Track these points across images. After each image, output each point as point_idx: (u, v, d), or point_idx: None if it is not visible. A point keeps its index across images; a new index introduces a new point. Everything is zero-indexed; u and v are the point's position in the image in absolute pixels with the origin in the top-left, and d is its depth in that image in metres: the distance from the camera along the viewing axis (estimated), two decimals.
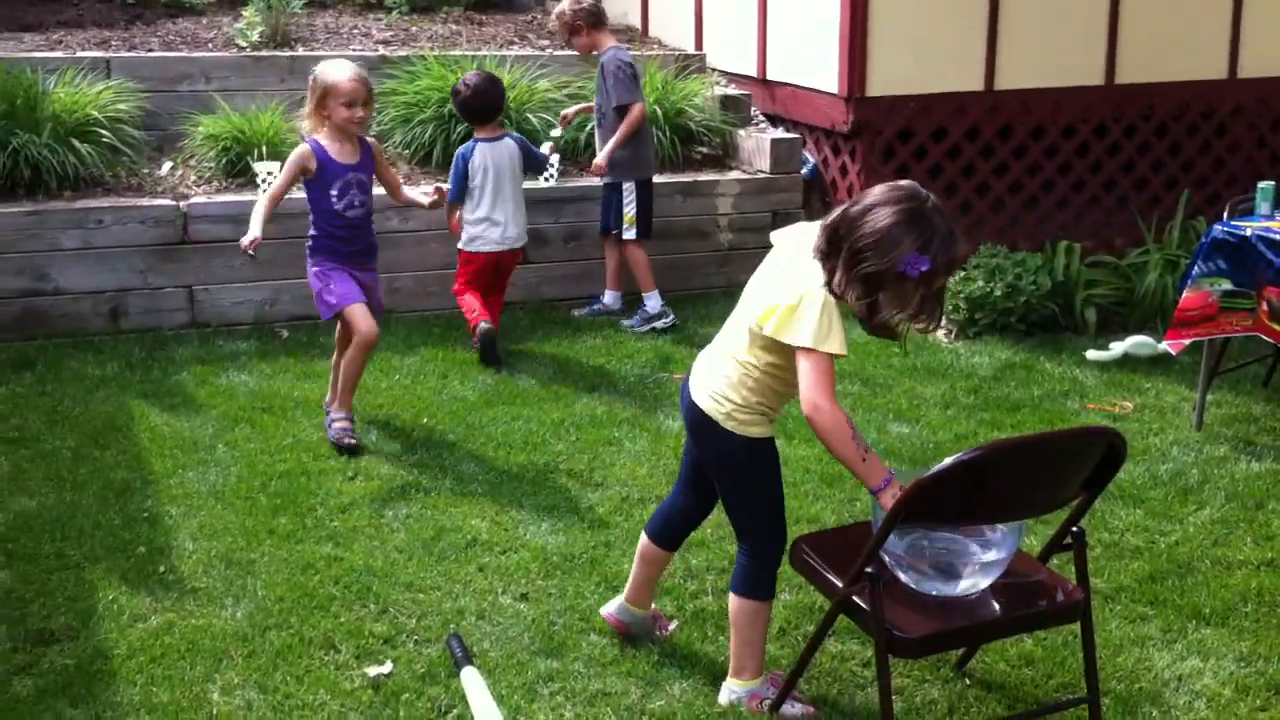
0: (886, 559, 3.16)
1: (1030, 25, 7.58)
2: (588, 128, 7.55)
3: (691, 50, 9.09)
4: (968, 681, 3.64)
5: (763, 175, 7.84)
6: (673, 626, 3.87)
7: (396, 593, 4.10)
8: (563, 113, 7.35)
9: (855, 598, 3.13)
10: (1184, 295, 5.44)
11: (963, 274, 6.85)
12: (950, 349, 6.61)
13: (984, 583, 3.18)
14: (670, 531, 3.71)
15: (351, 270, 5.27)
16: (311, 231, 5.27)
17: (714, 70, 8.81)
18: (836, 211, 3.11)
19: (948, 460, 2.88)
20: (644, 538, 3.73)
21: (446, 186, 6.07)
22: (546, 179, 7.36)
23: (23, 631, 3.83)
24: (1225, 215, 5.53)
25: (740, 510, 3.45)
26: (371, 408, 5.62)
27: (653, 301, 6.96)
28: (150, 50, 8.06)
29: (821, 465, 5.02)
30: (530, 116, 7.60)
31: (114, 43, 8.21)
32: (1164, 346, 5.66)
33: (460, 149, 6.49)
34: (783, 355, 3.17)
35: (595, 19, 6.94)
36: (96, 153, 6.86)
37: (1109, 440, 3.03)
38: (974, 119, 7.58)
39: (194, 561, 4.29)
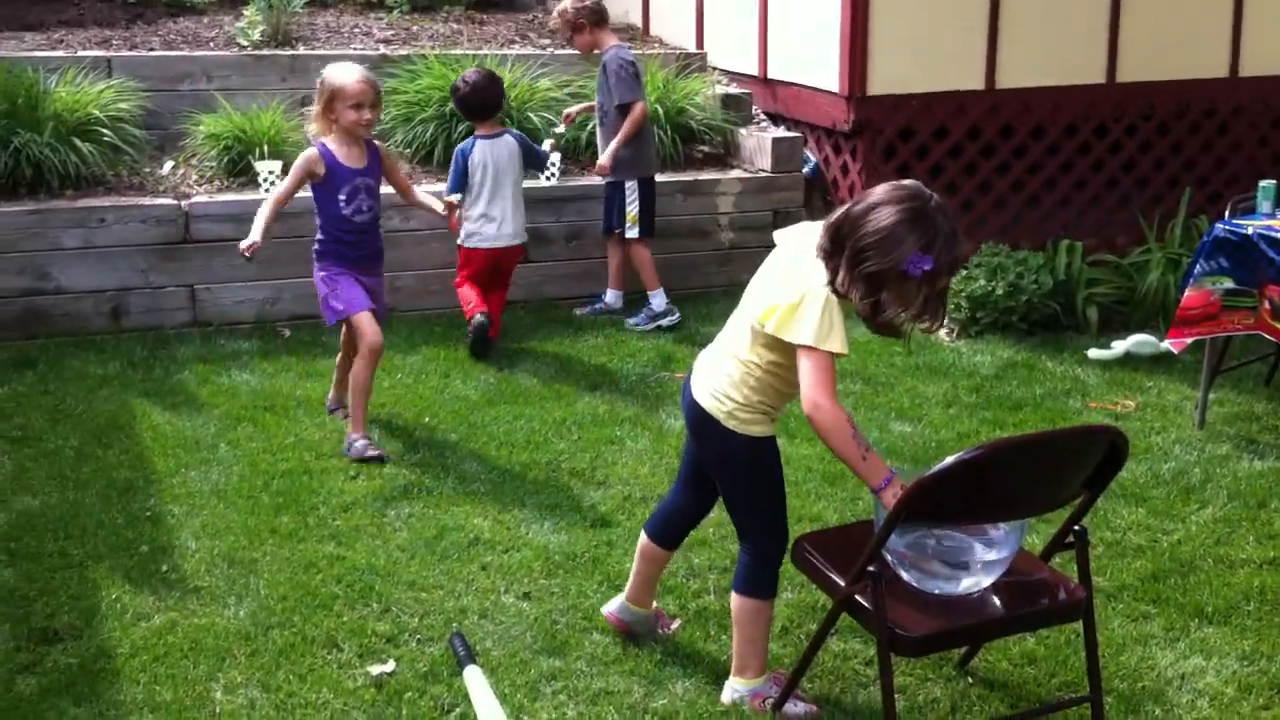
0: (889, 558, 3.16)
1: (1031, 24, 7.57)
2: (589, 126, 7.56)
3: (692, 49, 9.09)
4: (970, 680, 3.65)
5: (764, 174, 7.84)
6: (675, 625, 3.88)
7: (399, 591, 4.10)
8: (565, 111, 7.35)
9: (857, 596, 3.13)
10: (1186, 294, 5.44)
11: (964, 273, 6.85)
12: (952, 348, 6.61)
13: (986, 581, 3.18)
14: (670, 530, 3.71)
15: (358, 275, 5.22)
16: (319, 235, 5.22)
17: (715, 69, 8.81)
18: (840, 210, 3.11)
19: (949, 459, 2.88)
20: (644, 536, 3.74)
21: (457, 198, 6.07)
22: (548, 178, 7.36)
23: (26, 630, 3.84)
24: (1227, 214, 5.53)
25: (742, 509, 3.45)
26: (374, 407, 5.61)
27: (658, 299, 6.97)
28: (151, 49, 8.06)
29: (824, 464, 5.02)
30: (531, 115, 7.60)
31: (115, 42, 8.21)
32: (1166, 345, 5.66)
33: (460, 145, 6.51)
34: (784, 354, 3.18)
35: (598, 17, 6.94)
36: (98, 152, 6.86)
37: (1111, 439, 3.03)
38: (975, 118, 7.58)
39: (197, 560, 4.29)
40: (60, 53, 7.74)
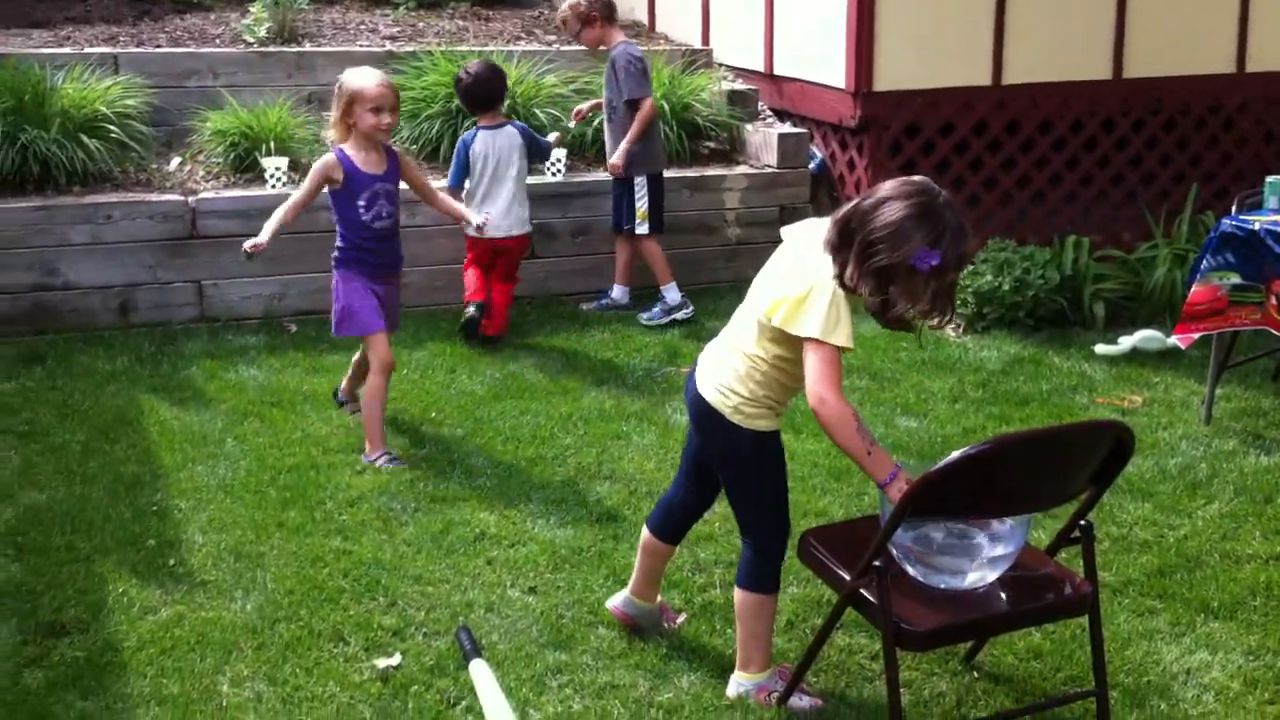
0: (894, 552, 3.16)
1: (1037, 19, 7.56)
2: (595, 122, 7.56)
3: (698, 45, 9.09)
4: (976, 674, 3.65)
5: (770, 170, 7.85)
6: (681, 619, 3.88)
7: (405, 585, 4.11)
8: (576, 108, 7.36)
9: (863, 591, 3.13)
10: (1192, 289, 5.44)
11: (971, 268, 6.85)
12: (958, 343, 6.60)
13: (992, 576, 3.18)
14: (671, 524, 3.72)
15: (375, 284, 5.12)
16: (338, 242, 5.13)
17: (721, 65, 8.81)
18: (848, 205, 3.11)
19: (955, 454, 2.88)
20: (646, 531, 3.74)
21: (485, 218, 6.10)
22: (554, 174, 7.37)
23: (33, 624, 3.85)
24: (1234, 209, 5.52)
25: (745, 504, 3.45)
26: None
27: (672, 293, 6.98)
28: (158, 46, 8.08)
29: (829, 459, 5.03)
30: (538, 112, 7.60)
31: (122, 39, 8.23)
32: (1173, 341, 5.66)
33: (463, 136, 6.56)
34: (790, 348, 3.18)
35: (609, 11, 6.95)
36: (105, 148, 6.87)
37: (1117, 434, 3.03)
38: (981, 114, 7.57)
39: (203, 555, 4.30)
40: (67, 49, 7.76)
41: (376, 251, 5.14)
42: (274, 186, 6.92)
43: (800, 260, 3.17)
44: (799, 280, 3.11)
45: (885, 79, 7.36)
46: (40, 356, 6.16)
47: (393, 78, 7.42)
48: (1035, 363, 6.32)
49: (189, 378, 5.98)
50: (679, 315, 6.93)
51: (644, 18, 9.93)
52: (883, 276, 3.00)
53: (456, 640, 3.72)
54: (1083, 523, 3.24)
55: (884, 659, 3.11)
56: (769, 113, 8.39)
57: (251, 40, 8.18)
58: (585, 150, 7.84)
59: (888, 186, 3.07)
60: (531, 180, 6.99)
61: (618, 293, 7.21)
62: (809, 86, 7.94)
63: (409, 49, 8.18)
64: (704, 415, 3.38)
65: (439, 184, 6.29)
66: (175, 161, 7.28)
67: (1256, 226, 5.22)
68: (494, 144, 6.45)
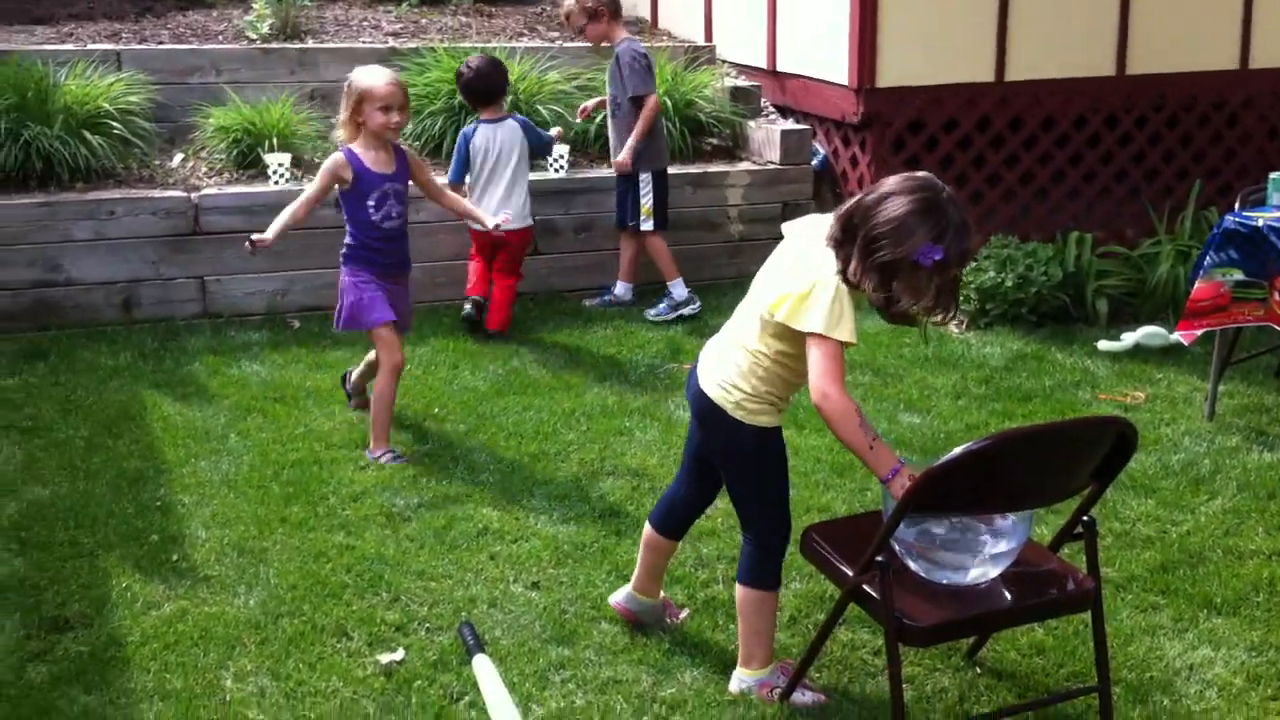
0: (897, 548, 3.16)
1: (1041, 16, 7.56)
2: (598, 119, 7.55)
3: (701, 42, 9.09)
4: (978, 670, 3.65)
5: (773, 166, 7.84)
6: (684, 614, 3.88)
7: (408, 581, 4.11)
8: (582, 106, 7.35)
9: (866, 586, 3.13)
10: (1196, 286, 5.43)
11: (974, 265, 6.84)
12: (961, 339, 6.60)
13: (994, 572, 3.18)
14: (674, 520, 3.72)
15: (385, 283, 5.11)
16: (347, 240, 5.11)
17: (724, 62, 8.81)
18: (852, 200, 3.12)
19: (958, 450, 2.88)
20: (648, 527, 3.74)
21: (505, 216, 6.15)
22: (557, 170, 7.37)
23: (37, 619, 3.85)
24: (1237, 206, 5.52)
25: (747, 500, 3.45)
26: None
27: (679, 289, 6.98)
28: (160, 43, 8.08)
29: (832, 455, 5.03)
30: (540, 108, 7.60)
31: (124, 35, 8.23)
32: (1176, 337, 5.65)
33: (463, 130, 6.57)
34: (793, 343, 3.18)
35: (615, 7, 6.94)
36: (108, 145, 6.88)
37: (1119, 429, 3.03)
38: (985, 110, 7.57)
39: (207, 550, 4.31)
40: (70, 46, 7.77)
41: (386, 251, 5.13)
42: (276, 183, 6.92)
43: (802, 256, 3.17)
44: (802, 276, 3.11)
45: (888, 75, 7.36)
46: (43, 352, 6.17)
47: None
48: (1038, 359, 6.32)
49: (192, 373, 5.98)
50: (686, 311, 6.94)
51: (646, 14, 9.93)
52: (886, 272, 3.00)
53: (459, 635, 3.72)
54: (1085, 518, 3.24)
55: (886, 654, 3.11)
56: (772, 109, 8.39)
57: (254, 37, 8.19)
58: (588, 147, 7.84)
59: (891, 182, 3.07)
60: (534, 176, 6.99)
61: (621, 289, 7.21)
62: (812, 83, 7.93)
63: (411, 45, 8.18)
64: (706, 411, 3.38)
65: (441, 180, 6.29)
66: (178, 158, 7.29)
67: (1260, 223, 5.21)
68: (495, 138, 6.47)
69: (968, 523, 3.20)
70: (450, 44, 8.20)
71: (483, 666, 3.49)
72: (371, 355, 5.34)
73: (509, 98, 7.05)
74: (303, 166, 7.19)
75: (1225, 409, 5.65)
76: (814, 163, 7.93)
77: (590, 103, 7.32)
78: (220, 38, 8.27)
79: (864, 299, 3.12)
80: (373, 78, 4.99)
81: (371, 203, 5.04)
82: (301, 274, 6.85)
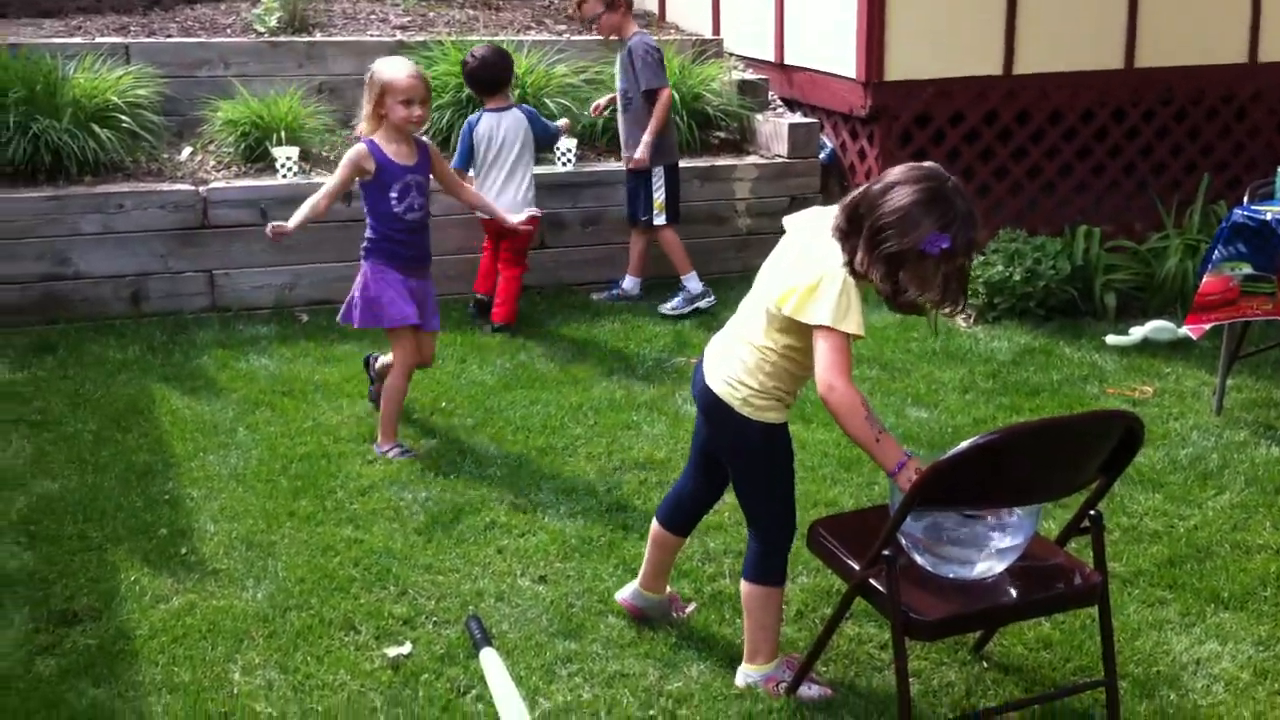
0: (904, 542, 3.16)
1: (1049, 9, 7.54)
2: (607, 112, 7.54)
3: (709, 35, 9.07)
4: (985, 664, 3.65)
5: (780, 160, 7.83)
6: (690, 609, 3.89)
7: (416, 574, 4.12)
8: (594, 103, 7.35)
9: (872, 580, 3.13)
10: (1204, 280, 5.42)
11: (982, 259, 6.83)
12: (969, 334, 6.60)
13: (1000, 566, 3.18)
14: (681, 516, 3.72)
15: (409, 279, 5.09)
16: (368, 234, 5.08)
17: (731, 55, 8.80)
18: (857, 191, 3.12)
19: (965, 444, 2.88)
20: (655, 523, 3.74)
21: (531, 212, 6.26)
22: (564, 164, 7.37)
23: (46, 612, 3.87)
24: (1245, 199, 5.51)
25: (753, 496, 3.45)
26: None
27: (694, 283, 6.99)
28: (169, 36, 8.09)
29: (839, 449, 5.03)
30: (548, 101, 7.60)
31: (133, 28, 8.24)
32: (1184, 331, 5.64)
33: (468, 119, 6.57)
34: (800, 337, 3.18)
35: (630, 0, 6.95)
36: (116, 138, 6.88)
37: (1127, 424, 3.03)
38: (992, 103, 7.55)
39: (215, 543, 4.32)
40: (78, 39, 7.77)
41: (408, 244, 5.10)
42: (285, 176, 6.93)
43: (806, 249, 3.17)
44: (808, 269, 3.11)
45: (896, 69, 7.34)
46: (52, 346, 6.18)
47: None
48: (1046, 353, 6.32)
49: (200, 367, 6.00)
50: (701, 304, 6.94)
51: (654, 7, 9.91)
52: (893, 262, 3.00)
53: (467, 629, 3.73)
54: (1092, 513, 3.24)
55: (893, 648, 3.11)
56: (779, 103, 8.37)
57: (262, 30, 8.19)
58: (596, 140, 7.83)
59: (896, 172, 3.07)
60: (542, 170, 6.99)
61: (629, 283, 7.21)
62: (819, 76, 7.92)
63: (419, 39, 8.18)
64: (713, 408, 3.38)
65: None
66: (186, 151, 7.29)
67: (1268, 216, 5.20)
68: (499, 126, 6.48)
69: (974, 517, 3.19)
70: (458, 37, 8.19)
71: (490, 660, 3.51)
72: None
73: (516, 89, 7.05)
74: (311, 160, 7.20)
75: (1233, 403, 5.65)
76: (822, 156, 7.92)
77: (602, 100, 7.31)
78: (228, 31, 8.27)
79: (870, 291, 3.11)
80: (395, 70, 4.97)
81: (394, 194, 5.03)
82: (310, 268, 6.86)
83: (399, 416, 5.17)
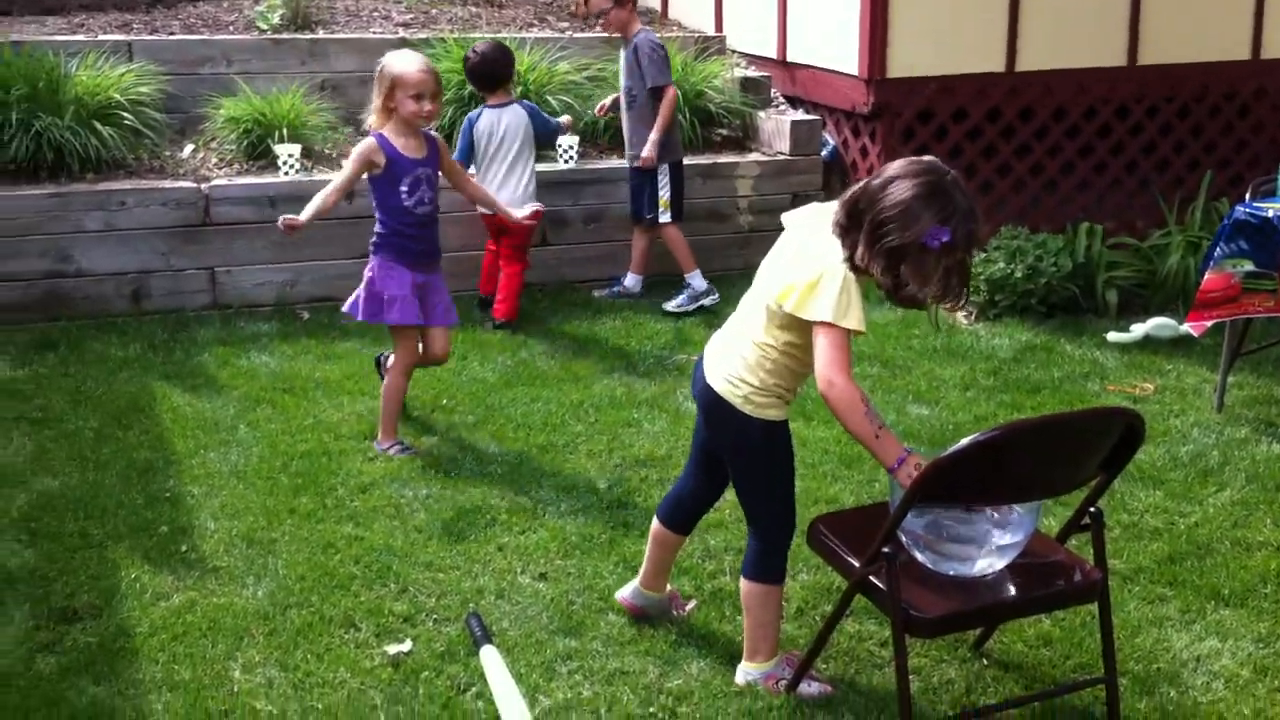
0: (904, 539, 3.16)
1: (1052, 5, 7.53)
2: (611, 112, 7.54)
3: (711, 32, 9.07)
4: (985, 661, 3.65)
5: (782, 157, 7.83)
6: (690, 606, 3.89)
7: (416, 572, 4.12)
8: (600, 104, 7.35)
9: (872, 578, 3.13)
10: (1206, 277, 5.42)
11: (983, 255, 6.83)
12: (970, 330, 6.59)
13: (1001, 563, 3.18)
14: (682, 514, 3.72)
15: (418, 274, 5.07)
16: (378, 229, 5.06)
17: (734, 52, 8.79)
18: (857, 185, 3.11)
19: (966, 440, 2.88)
20: (656, 522, 3.74)
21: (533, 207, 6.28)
22: (566, 161, 7.37)
23: (46, 609, 3.87)
24: (1248, 196, 5.50)
25: (754, 494, 3.44)
26: None
27: (698, 280, 6.99)
28: (171, 33, 8.09)
29: (840, 446, 5.02)
30: (550, 99, 7.59)
31: (135, 26, 8.24)
32: (1185, 328, 5.64)
33: (469, 114, 6.58)
34: (800, 333, 3.17)
35: None
36: (118, 135, 6.89)
37: (1128, 421, 3.02)
38: (995, 100, 7.55)
39: (215, 541, 4.32)
40: (81, 36, 7.78)
41: (418, 238, 5.08)
42: (287, 174, 6.93)
43: (805, 246, 3.17)
44: (808, 266, 3.10)
45: (898, 66, 7.34)
46: (53, 343, 6.19)
47: None
48: (1047, 350, 6.31)
49: (201, 364, 6.00)
50: (706, 302, 6.94)
51: (656, 4, 9.91)
52: (894, 256, 2.99)
53: (467, 626, 3.73)
54: (1093, 510, 3.24)
55: (893, 646, 3.11)
56: (781, 100, 8.37)
57: (265, 27, 8.19)
58: (598, 137, 7.83)
59: (895, 166, 3.06)
60: (544, 167, 6.99)
61: (630, 281, 7.21)
62: (822, 73, 7.92)
63: (422, 36, 8.18)
64: (713, 406, 3.37)
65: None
66: (188, 148, 7.30)
67: (1270, 214, 5.20)
68: (499, 122, 6.49)
69: (974, 514, 3.19)
70: (460, 34, 8.19)
71: (490, 657, 3.51)
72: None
73: (518, 86, 7.05)
74: (313, 158, 7.20)
75: (1234, 400, 5.64)
76: (824, 153, 7.92)
77: (607, 101, 7.30)
78: (231, 28, 8.28)
79: (871, 287, 3.11)
80: (405, 64, 4.95)
81: (404, 188, 5.02)
82: (311, 265, 6.87)
83: (398, 413, 5.17)
